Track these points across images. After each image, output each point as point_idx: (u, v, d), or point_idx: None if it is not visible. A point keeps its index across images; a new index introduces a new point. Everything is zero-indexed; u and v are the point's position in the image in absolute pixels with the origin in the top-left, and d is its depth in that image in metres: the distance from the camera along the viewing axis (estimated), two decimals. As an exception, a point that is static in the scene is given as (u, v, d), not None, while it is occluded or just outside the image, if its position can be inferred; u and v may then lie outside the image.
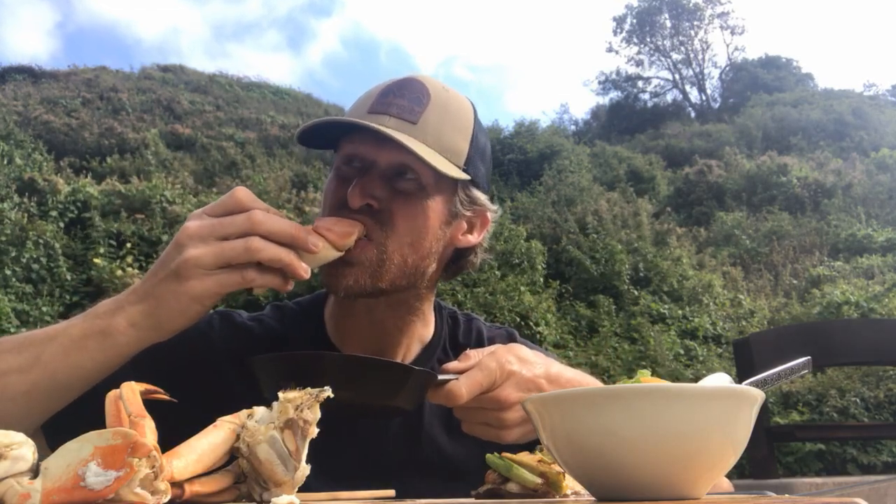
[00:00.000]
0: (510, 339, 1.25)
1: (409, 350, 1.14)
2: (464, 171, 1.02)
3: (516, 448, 0.82)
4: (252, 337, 1.12)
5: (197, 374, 1.05)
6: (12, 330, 8.22)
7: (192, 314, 0.86)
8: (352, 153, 1.02)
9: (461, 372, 0.89)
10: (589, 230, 13.16)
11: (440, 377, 0.88)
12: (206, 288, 0.84)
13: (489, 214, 1.11)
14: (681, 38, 36.38)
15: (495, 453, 0.78)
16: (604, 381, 1.08)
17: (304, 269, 0.87)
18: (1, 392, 0.85)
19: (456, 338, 1.21)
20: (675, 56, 36.33)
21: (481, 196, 1.09)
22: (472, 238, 1.10)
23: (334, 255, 0.91)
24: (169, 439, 0.58)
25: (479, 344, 1.20)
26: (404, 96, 1.01)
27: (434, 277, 1.10)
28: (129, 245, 10.32)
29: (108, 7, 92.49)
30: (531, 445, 0.84)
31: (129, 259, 10.09)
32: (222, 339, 1.11)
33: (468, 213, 1.08)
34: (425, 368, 0.87)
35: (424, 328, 1.16)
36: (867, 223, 15.45)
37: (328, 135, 1.06)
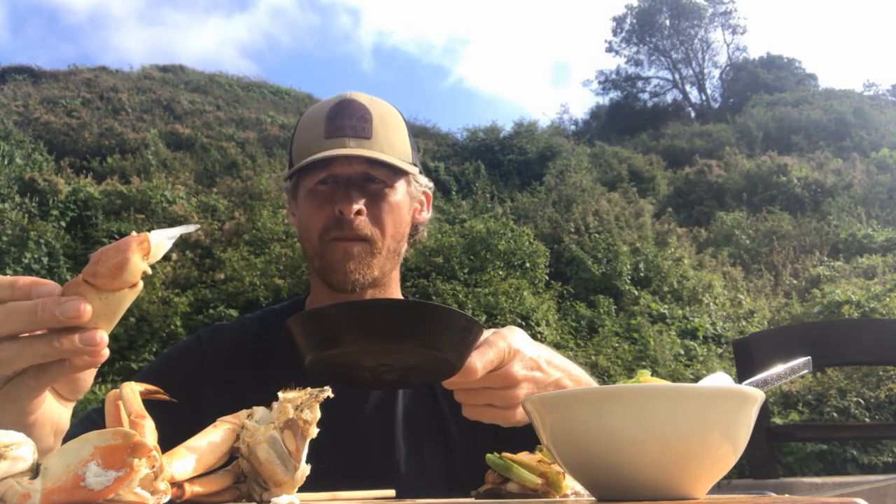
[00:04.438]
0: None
1: None
2: (413, 164, 1.24)
3: (516, 448, 0.82)
4: (238, 340, 1.25)
5: (192, 391, 1.14)
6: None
7: None
8: (327, 175, 1.18)
9: None
10: (591, 230, 13.17)
11: None
12: None
13: (428, 191, 1.33)
14: (681, 37, 36.39)
15: (495, 453, 0.78)
16: (604, 381, 1.08)
17: (87, 341, 0.62)
18: None
19: None
20: (674, 56, 36.37)
21: (423, 178, 1.30)
22: (425, 214, 1.32)
23: (131, 293, 0.64)
24: (169, 440, 0.58)
25: None
26: (351, 116, 1.19)
27: (402, 254, 1.29)
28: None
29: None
30: (531, 445, 0.84)
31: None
32: (213, 351, 1.23)
33: (419, 196, 1.30)
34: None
35: None
36: (867, 223, 15.46)
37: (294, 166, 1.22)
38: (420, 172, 1.28)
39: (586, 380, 0.99)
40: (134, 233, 0.62)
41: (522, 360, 0.88)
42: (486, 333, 0.89)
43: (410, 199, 1.26)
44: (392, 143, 1.20)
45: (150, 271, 0.65)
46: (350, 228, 1.15)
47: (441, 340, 0.78)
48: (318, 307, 0.81)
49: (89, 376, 0.76)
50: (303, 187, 1.22)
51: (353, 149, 1.15)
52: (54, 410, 0.72)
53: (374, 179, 1.19)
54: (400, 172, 1.21)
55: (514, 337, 0.89)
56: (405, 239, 1.26)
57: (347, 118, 1.18)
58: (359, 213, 1.15)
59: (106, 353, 0.65)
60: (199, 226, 0.73)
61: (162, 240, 0.65)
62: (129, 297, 0.64)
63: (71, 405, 0.78)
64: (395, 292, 1.29)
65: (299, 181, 1.24)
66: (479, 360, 0.83)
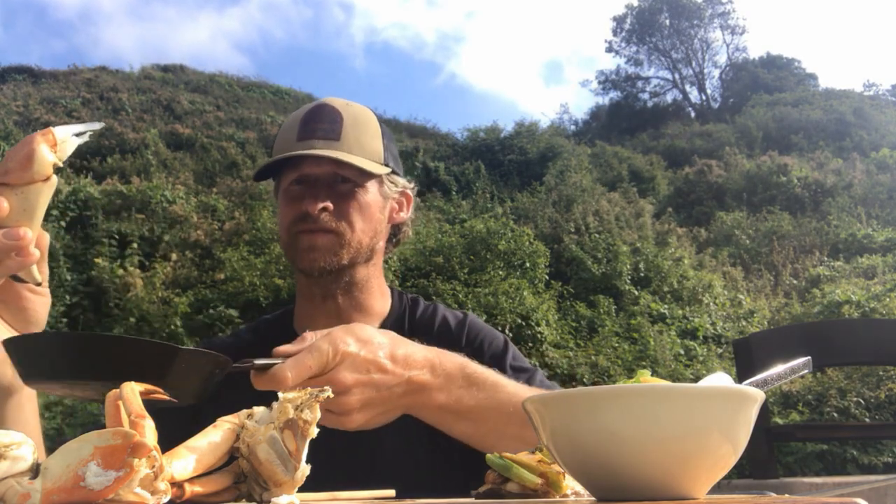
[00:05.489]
0: (466, 321, 1.33)
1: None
2: (385, 165, 1.28)
3: (515, 448, 0.82)
4: (231, 352, 1.26)
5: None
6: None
7: None
8: (298, 176, 1.25)
9: (292, 355, 0.85)
10: (591, 230, 13.17)
11: (264, 361, 0.81)
12: None
13: (409, 192, 1.36)
14: (681, 37, 36.38)
15: (495, 453, 0.78)
16: (604, 381, 1.09)
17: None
18: None
19: (414, 317, 1.33)
20: (674, 56, 36.35)
21: (401, 180, 1.33)
22: (403, 214, 1.35)
23: (46, 187, 0.68)
24: (170, 440, 0.58)
25: (430, 323, 1.32)
26: (323, 120, 1.25)
27: (381, 251, 1.34)
28: (133, 245, 10.34)
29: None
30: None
31: (134, 259, 10.10)
32: None
33: (396, 196, 1.33)
34: (204, 350, 0.76)
35: (381, 307, 1.32)
36: (867, 223, 15.46)
37: (273, 168, 1.29)
38: (394, 172, 1.31)
39: (467, 372, 0.97)
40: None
41: (354, 363, 0.85)
42: (322, 333, 0.86)
43: (383, 198, 1.30)
44: (362, 144, 1.25)
45: (60, 164, 0.67)
46: (315, 223, 1.21)
47: (124, 375, 0.62)
48: (9, 337, 0.71)
49: (41, 308, 0.79)
50: (280, 187, 1.29)
51: (318, 149, 1.21)
52: (4, 336, 0.74)
53: (344, 179, 1.24)
54: (367, 172, 1.26)
55: (345, 338, 0.86)
56: (380, 237, 1.30)
57: (319, 121, 1.25)
58: (324, 210, 1.21)
59: (36, 252, 0.68)
60: (103, 124, 0.73)
61: (68, 135, 0.67)
62: (45, 192, 0.67)
63: None
64: (378, 292, 1.33)
65: (278, 182, 1.30)
66: (292, 369, 0.80)
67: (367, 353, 0.87)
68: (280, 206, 1.29)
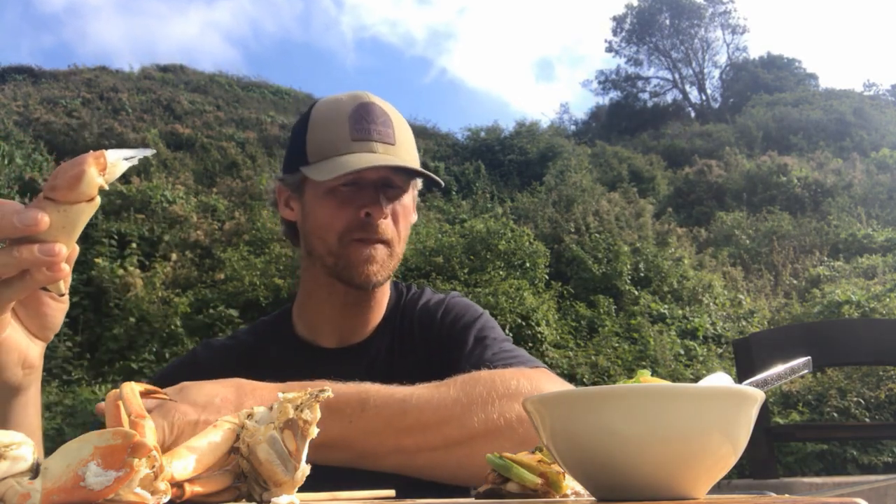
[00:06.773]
0: (445, 300, 1.33)
1: (372, 324, 1.31)
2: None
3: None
4: (230, 353, 1.30)
5: None
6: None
7: None
8: (354, 177, 1.19)
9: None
10: (591, 230, 13.17)
11: None
12: None
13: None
14: (681, 37, 36.38)
15: (495, 453, 0.78)
16: (604, 382, 1.08)
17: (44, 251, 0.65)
18: None
19: (404, 305, 1.35)
20: (674, 55, 36.35)
21: (419, 183, 1.32)
22: (414, 217, 1.34)
23: (89, 207, 0.67)
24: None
25: (414, 306, 1.33)
26: (375, 121, 1.20)
27: None
28: (133, 245, 10.34)
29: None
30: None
31: (134, 259, 10.10)
32: (208, 362, 1.28)
33: (415, 199, 1.33)
34: None
35: (385, 302, 1.34)
36: (867, 223, 15.46)
37: (299, 160, 1.23)
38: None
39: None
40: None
41: (195, 433, 0.77)
42: (153, 405, 0.83)
43: (413, 203, 1.31)
44: (410, 148, 1.24)
45: (106, 186, 0.67)
46: (375, 232, 1.19)
47: None
48: None
49: (59, 314, 0.79)
50: (320, 185, 1.21)
51: (387, 156, 1.18)
52: (22, 341, 0.74)
53: (393, 184, 1.23)
54: (412, 178, 1.26)
55: (181, 408, 0.83)
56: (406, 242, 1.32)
57: (372, 122, 1.20)
58: (384, 216, 1.20)
59: (66, 269, 0.67)
60: (154, 150, 0.74)
61: (118, 159, 0.68)
62: (86, 212, 0.67)
63: (41, 344, 0.80)
64: (387, 290, 1.34)
65: (304, 178, 1.23)
66: None
67: (208, 416, 0.83)
68: (323, 206, 1.22)
